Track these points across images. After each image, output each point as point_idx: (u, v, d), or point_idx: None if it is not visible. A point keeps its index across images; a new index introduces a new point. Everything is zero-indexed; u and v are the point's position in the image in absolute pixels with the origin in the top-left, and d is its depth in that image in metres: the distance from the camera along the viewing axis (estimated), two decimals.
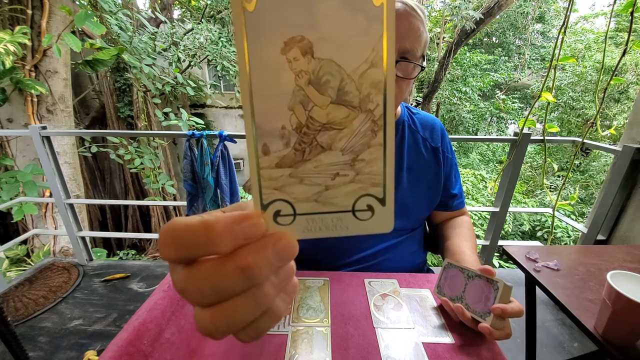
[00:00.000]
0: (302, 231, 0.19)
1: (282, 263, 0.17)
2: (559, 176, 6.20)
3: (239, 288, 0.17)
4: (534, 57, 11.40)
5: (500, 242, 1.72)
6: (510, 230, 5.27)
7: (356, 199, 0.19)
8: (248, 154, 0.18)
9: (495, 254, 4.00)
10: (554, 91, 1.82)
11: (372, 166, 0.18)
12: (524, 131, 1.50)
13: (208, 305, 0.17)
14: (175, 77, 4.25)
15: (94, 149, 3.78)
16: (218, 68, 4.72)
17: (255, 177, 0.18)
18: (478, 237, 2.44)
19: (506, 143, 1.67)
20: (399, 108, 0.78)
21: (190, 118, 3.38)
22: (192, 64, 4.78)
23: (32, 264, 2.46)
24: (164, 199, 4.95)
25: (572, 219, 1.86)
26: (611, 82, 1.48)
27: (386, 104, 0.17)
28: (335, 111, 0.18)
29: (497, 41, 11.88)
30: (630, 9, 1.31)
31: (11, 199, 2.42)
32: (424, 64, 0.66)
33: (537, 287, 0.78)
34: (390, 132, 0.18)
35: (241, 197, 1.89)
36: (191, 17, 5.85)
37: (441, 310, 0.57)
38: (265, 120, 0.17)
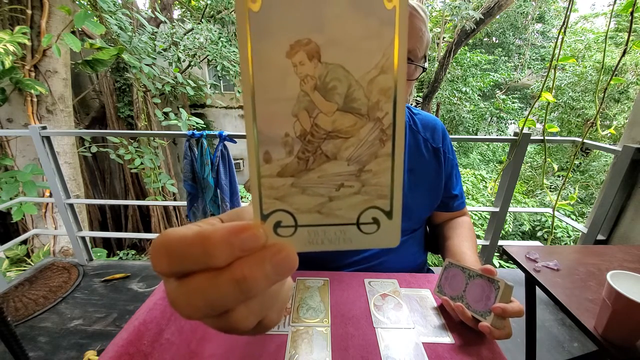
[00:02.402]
0: (303, 244, 0.18)
1: (280, 277, 0.16)
2: (559, 176, 6.20)
3: (233, 302, 0.16)
4: (534, 57, 11.40)
5: (500, 242, 1.72)
6: (510, 230, 5.27)
7: (361, 212, 0.18)
8: (249, 161, 0.17)
9: (495, 254, 4.00)
10: (554, 91, 1.82)
11: (379, 177, 0.17)
12: (524, 131, 1.50)
13: (199, 319, 0.16)
14: (175, 77, 4.25)
15: (94, 149, 3.78)
16: (218, 68, 4.72)
17: (255, 186, 0.17)
18: (478, 237, 2.44)
19: (506, 143, 1.67)
20: None
21: (190, 118, 3.38)
22: (192, 64, 4.78)
23: (32, 264, 2.46)
24: (164, 199, 4.95)
25: (572, 219, 1.86)
26: (611, 82, 1.48)
27: (396, 112, 0.16)
28: (342, 119, 0.17)
29: (497, 41, 11.88)
30: (630, 9, 1.31)
31: (11, 199, 2.42)
32: (426, 64, 0.65)
33: (537, 287, 0.78)
34: (400, 141, 0.17)
35: (241, 197, 1.89)
36: (191, 17, 5.85)
37: (441, 310, 0.57)
38: (268, 127, 0.16)
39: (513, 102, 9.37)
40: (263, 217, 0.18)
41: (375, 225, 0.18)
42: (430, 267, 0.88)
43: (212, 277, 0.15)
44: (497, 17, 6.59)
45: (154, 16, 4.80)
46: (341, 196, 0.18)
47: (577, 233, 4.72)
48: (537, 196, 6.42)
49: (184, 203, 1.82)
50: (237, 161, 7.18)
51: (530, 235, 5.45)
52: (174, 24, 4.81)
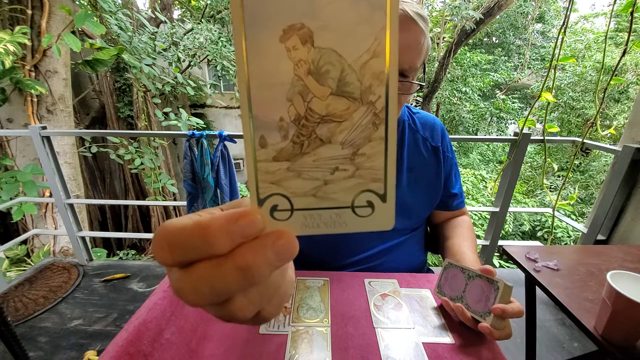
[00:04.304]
0: (300, 227, 0.18)
1: (281, 262, 0.17)
2: (559, 176, 6.21)
3: (238, 288, 0.16)
4: (534, 57, 11.40)
5: (500, 242, 1.72)
6: (510, 230, 5.27)
7: (356, 195, 0.18)
8: (245, 146, 0.17)
9: (495, 254, 4.00)
10: (554, 91, 1.82)
11: (372, 161, 0.18)
12: (524, 131, 1.50)
13: (204, 306, 0.17)
14: (175, 77, 4.25)
15: (94, 149, 3.78)
16: (218, 68, 4.72)
17: (251, 171, 0.17)
18: (478, 237, 2.44)
19: (506, 143, 1.67)
20: None
21: (190, 118, 3.38)
22: (192, 64, 4.78)
23: (32, 264, 2.46)
24: (164, 199, 4.95)
25: (572, 219, 1.86)
26: (611, 82, 1.48)
27: (388, 96, 0.17)
28: (336, 103, 0.17)
29: (497, 41, 11.87)
30: (630, 9, 1.31)
31: (11, 199, 2.42)
32: (423, 79, 0.65)
33: (537, 287, 0.78)
34: (392, 125, 0.17)
35: (241, 197, 1.88)
36: (191, 17, 5.85)
37: (441, 310, 0.57)
38: (263, 111, 0.17)
39: (513, 102, 9.37)
40: (260, 201, 0.18)
41: (370, 209, 0.18)
42: (430, 267, 0.88)
43: (215, 265, 0.16)
44: (497, 17, 6.59)
45: (154, 16, 4.80)
46: (336, 180, 0.18)
47: (577, 233, 4.72)
48: (537, 196, 6.42)
49: (184, 203, 1.82)
50: (237, 161, 7.18)
51: (530, 235, 5.45)
52: (174, 24, 4.80)
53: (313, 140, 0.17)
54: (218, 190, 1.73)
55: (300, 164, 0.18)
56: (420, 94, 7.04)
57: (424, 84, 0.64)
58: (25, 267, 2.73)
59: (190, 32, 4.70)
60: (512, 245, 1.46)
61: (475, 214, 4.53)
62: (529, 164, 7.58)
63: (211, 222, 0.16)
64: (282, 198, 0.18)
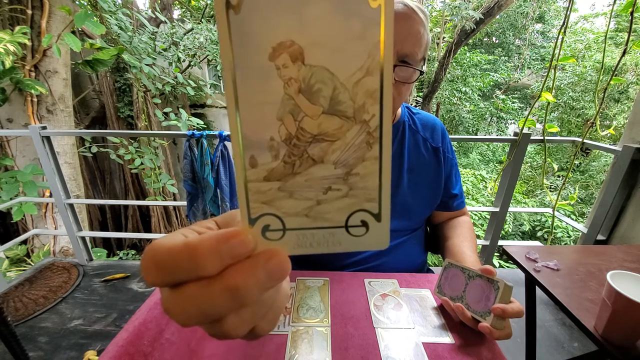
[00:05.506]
0: (292, 247, 0.18)
1: (273, 283, 0.16)
2: (559, 176, 6.20)
3: (227, 310, 0.16)
4: (534, 57, 11.40)
5: (500, 242, 1.72)
6: (510, 230, 5.27)
7: (349, 215, 0.18)
8: (235, 166, 0.17)
9: (495, 254, 4.00)
10: (554, 91, 1.82)
11: (366, 181, 0.17)
12: (524, 131, 1.50)
13: (193, 325, 0.16)
14: (176, 77, 4.25)
15: (94, 149, 3.78)
16: (218, 68, 4.73)
17: (242, 191, 0.17)
18: (478, 237, 2.44)
19: (506, 143, 1.68)
20: (399, 109, 0.78)
21: (190, 118, 3.38)
22: (192, 64, 4.78)
23: (32, 264, 2.46)
24: (164, 199, 4.95)
25: (572, 219, 1.85)
26: (611, 82, 1.48)
27: (382, 115, 0.16)
28: (328, 122, 0.17)
29: (497, 41, 11.87)
30: (630, 9, 1.31)
31: (11, 199, 2.42)
32: (424, 68, 0.65)
33: (537, 287, 0.78)
34: (387, 144, 0.17)
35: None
36: (191, 17, 5.85)
37: (441, 310, 0.57)
38: (253, 131, 0.16)
39: (513, 102, 9.37)
40: (251, 221, 0.18)
41: (364, 228, 0.18)
42: (430, 267, 0.88)
43: (204, 286, 0.15)
44: (497, 17, 6.60)
45: (154, 16, 4.80)
46: (329, 199, 0.18)
47: (577, 233, 4.72)
48: (537, 196, 6.41)
49: (184, 203, 1.82)
50: None
51: (530, 235, 5.45)
52: (174, 24, 4.81)
53: (305, 160, 0.17)
54: (218, 190, 1.73)
55: (292, 184, 0.17)
56: (420, 94, 7.04)
57: (424, 70, 0.64)
58: (25, 267, 2.73)
59: (190, 32, 4.70)
60: (512, 245, 1.46)
61: (475, 214, 4.53)
62: (529, 164, 7.58)
63: (200, 242, 0.15)
64: (274, 218, 0.18)
